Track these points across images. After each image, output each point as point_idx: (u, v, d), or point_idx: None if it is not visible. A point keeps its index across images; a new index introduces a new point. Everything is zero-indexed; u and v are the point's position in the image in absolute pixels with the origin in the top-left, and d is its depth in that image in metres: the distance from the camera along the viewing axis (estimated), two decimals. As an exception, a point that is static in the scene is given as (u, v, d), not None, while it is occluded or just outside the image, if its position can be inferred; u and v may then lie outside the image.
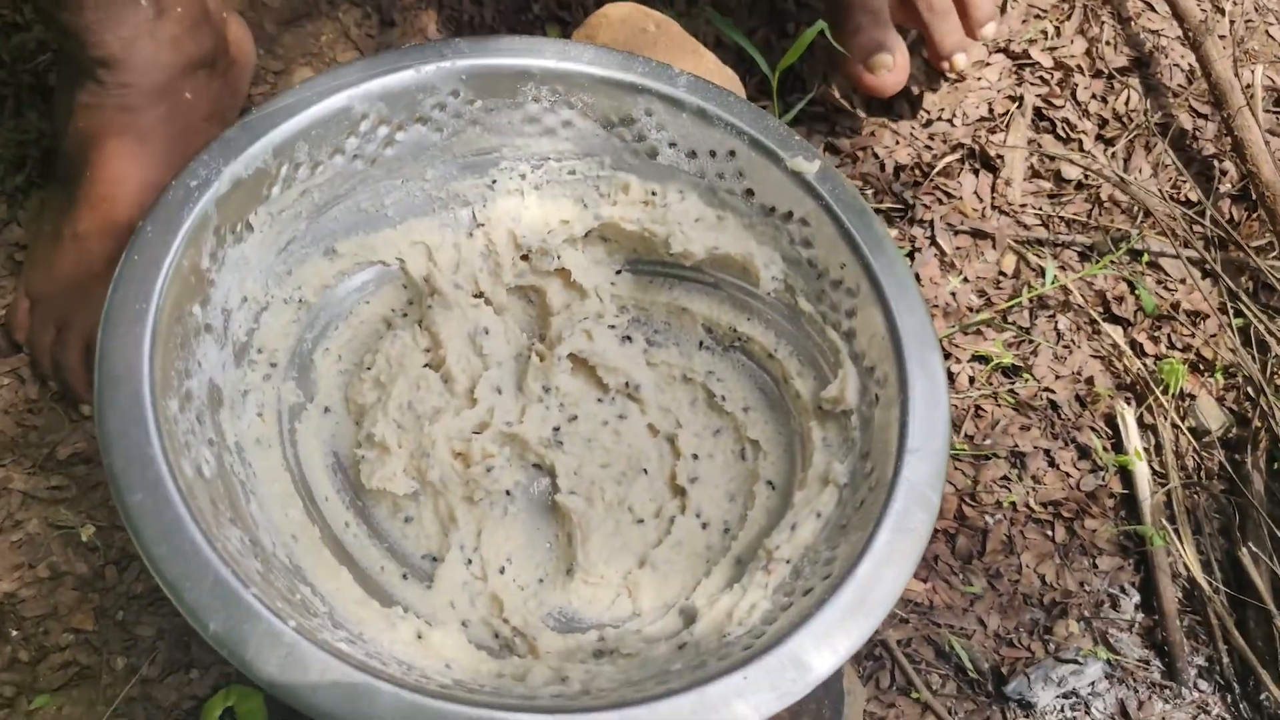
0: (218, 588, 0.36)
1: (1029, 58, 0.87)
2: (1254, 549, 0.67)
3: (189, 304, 0.42)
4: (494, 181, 0.52)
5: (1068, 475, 0.71)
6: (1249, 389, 0.73)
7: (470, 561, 0.47)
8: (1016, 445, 0.72)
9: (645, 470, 0.50)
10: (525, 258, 0.53)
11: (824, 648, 0.38)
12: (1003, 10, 0.89)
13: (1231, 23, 0.90)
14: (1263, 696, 0.65)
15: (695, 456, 0.50)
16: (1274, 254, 0.77)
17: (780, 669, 0.37)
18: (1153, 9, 0.90)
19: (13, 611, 0.65)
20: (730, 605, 0.44)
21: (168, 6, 0.64)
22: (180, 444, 0.39)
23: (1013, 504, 0.70)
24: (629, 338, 0.53)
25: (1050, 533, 0.70)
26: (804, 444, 0.49)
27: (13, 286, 0.75)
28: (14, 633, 0.64)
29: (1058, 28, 0.89)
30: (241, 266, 0.45)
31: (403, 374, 0.49)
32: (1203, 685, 0.66)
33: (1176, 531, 0.69)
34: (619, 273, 0.54)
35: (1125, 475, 0.71)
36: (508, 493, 0.49)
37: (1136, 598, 0.68)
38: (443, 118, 0.49)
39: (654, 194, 0.51)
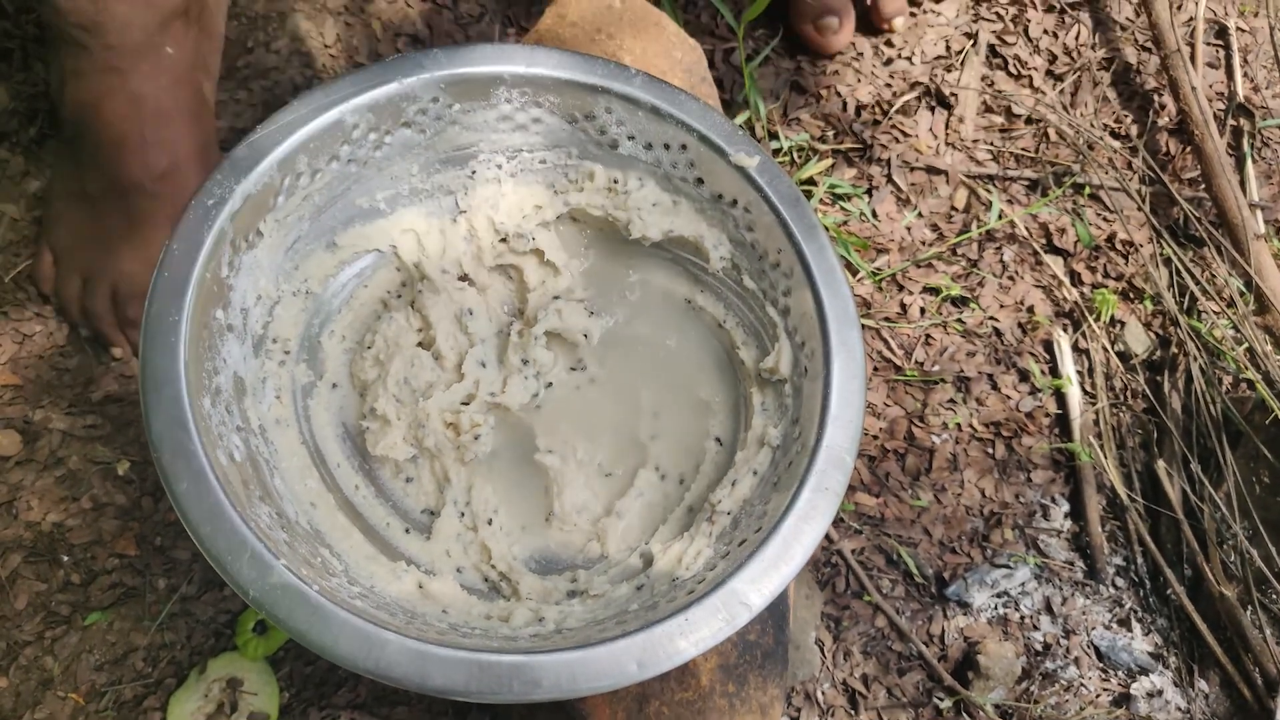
0: (254, 561, 0.40)
1: (985, -7, 0.86)
2: (1167, 464, 0.71)
3: (213, 309, 0.45)
4: (473, 172, 0.54)
5: (1008, 398, 0.74)
6: (1171, 315, 0.76)
7: (463, 514, 0.51)
8: (962, 370, 0.75)
9: (611, 428, 0.54)
10: (504, 240, 0.55)
11: (752, 592, 0.43)
12: (962, -55, 0.87)
13: (1179, -46, 0.89)
14: (1168, 591, 0.69)
15: (656, 415, 0.54)
16: (1203, 187, 0.78)
17: (716, 610, 0.42)
18: (1105, -59, 0.89)
19: (62, 540, 0.68)
20: (680, 552, 0.48)
21: None
22: (214, 436, 0.42)
23: (958, 425, 0.74)
24: (596, 310, 0.56)
25: (991, 450, 0.73)
26: (747, 407, 0.53)
27: (34, 235, 0.76)
28: (65, 558, 0.68)
29: (1013, -38, 0.88)
30: (255, 269, 0.47)
31: (399, 353, 0.52)
32: (1119, 583, 0.70)
33: (1102, 448, 0.72)
34: (587, 249, 0.56)
35: (1060, 397, 0.75)
36: (494, 453, 0.53)
37: (1065, 507, 0.72)
38: (425, 121, 0.51)
39: (616, 181, 0.54)
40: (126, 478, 0.72)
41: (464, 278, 0.55)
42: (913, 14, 0.84)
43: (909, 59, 0.84)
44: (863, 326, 0.75)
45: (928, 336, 0.76)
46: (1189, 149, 0.80)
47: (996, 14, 0.86)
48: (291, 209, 0.48)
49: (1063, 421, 0.74)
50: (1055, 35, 0.85)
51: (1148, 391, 0.74)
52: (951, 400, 0.74)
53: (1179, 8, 0.86)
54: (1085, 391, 0.75)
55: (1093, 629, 0.69)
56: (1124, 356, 0.76)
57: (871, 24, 0.83)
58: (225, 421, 0.44)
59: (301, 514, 0.46)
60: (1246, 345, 0.72)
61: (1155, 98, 0.83)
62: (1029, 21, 0.85)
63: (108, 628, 0.66)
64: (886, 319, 0.76)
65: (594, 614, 0.46)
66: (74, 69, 0.67)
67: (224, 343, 0.45)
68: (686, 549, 0.48)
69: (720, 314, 0.54)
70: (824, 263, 0.48)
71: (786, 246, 0.49)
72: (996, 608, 0.69)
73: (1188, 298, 0.75)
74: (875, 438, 0.73)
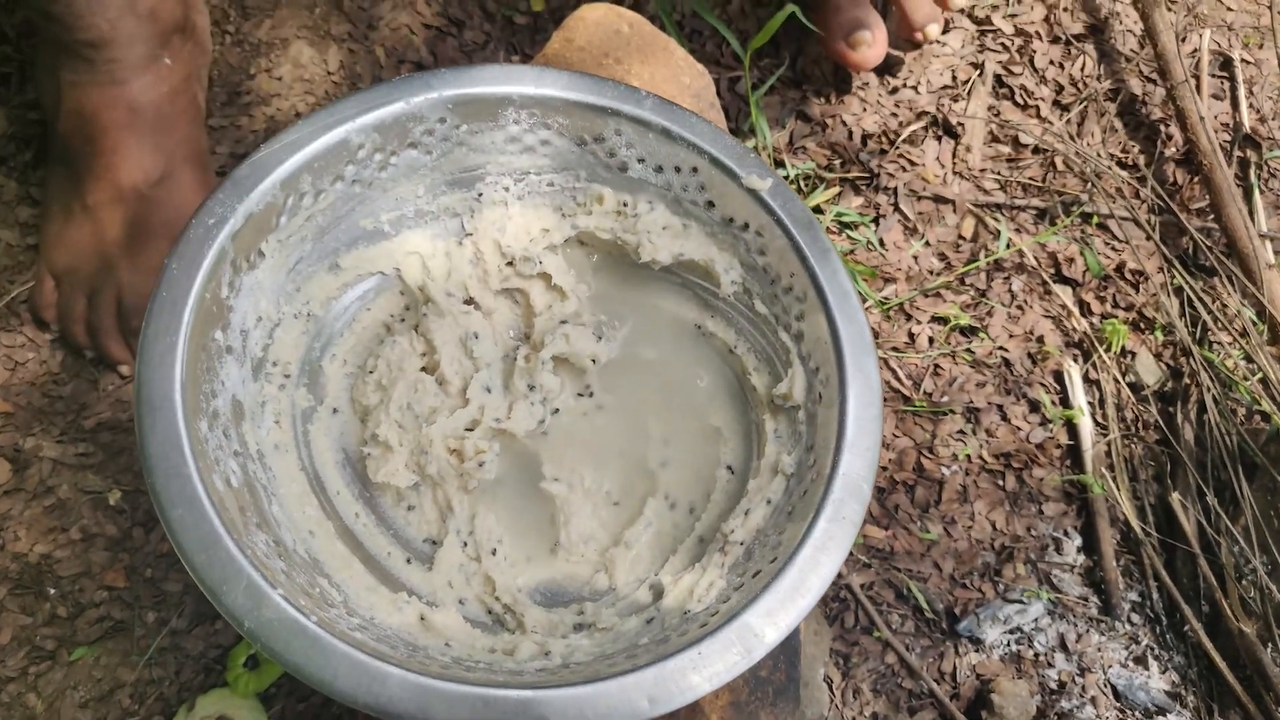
0: (249, 591, 0.38)
1: (991, 24, 0.86)
2: (1181, 497, 0.69)
3: (212, 330, 0.43)
4: (480, 195, 0.53)
5: (1018, 429, 0.73)
6: (1183, 345, 0.75)
7: (466, 544, 0.49)
8: (972, 401, 0.73)
9: (620, 456, 0.52)
10: (510, 264, 0.54)
11: (768, 625, 0.41)
12: (966, -24, 0.87)
13: (1183, -13, 0.89)
14: (1186, 628, 0.68)
15: (666, 442, 0.52)
16: (1211, 217, 0.77)
17: (730, 644, 0.40)
18: (1108, -27, 0.89)
19: (50, 571, 0.66)
20: (691, 583, 0.46)
21: None
22: (210, 460, 0.41)
23: (967, 456, 0.72)
24: (604, 335, 0.54)
25: (1001, 482, 0.72)
26: (759, 434, 0.51)
27: (29, 262, 0.75)
28: (52, 591, 0.66)
29: (1018, -6, 0.88)
30: (256, 290, 0.46)
31: (402, 377, 0.50)
32: (1135, 619, 0.69)
33: (1115, 480, 0.71)
34: (595, 273, 0.55)
35: (1071, 428, 0.73)
36: (499, 481, 0.51)
37: (1078, 541, 0.71)
38: (431, 141, 0.50)
39: (625, 204, 0.52)
40: (118, 507, 0.70)
41: (469, 301, 0.53)
42: (913, 49, 0.84)
43: (915, 89, 0.83)
44: (870, 356, 0.74)
45: (936, 366, 0.75)
46: (1197, 179, 0.79)
47: (1002, 45, 0.85)
48: (294, 229, 0.46)
49: (1074, 453, 0.73)
50: (1061, 66, 0.85)
51: (1160, 422, 0.73)
52: (961, 431, 0.73)
53: (1183, 40, 0.86)
54: (1097, 423, 0.73)
55: (1109, 667, 0.67)
56: (1135, 387, 0.74)
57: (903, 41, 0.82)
58: (222, 445, 0.42)
59: (299, 542, 0.45)
60: (1260, 375, 0.71)
61: (1162, 128, 0.82)
62: (1034, 52, 0.85)
63: (94, 663, 0.64)
64: (894, 349, 0.75)
65: (602, 648, 0.44)
66: (73, 81, 0.67)
67: (223, 365, 0.44)
68: (698, 580, 0.46)
69: (731, 339, 0.53)
70: (838, 287, 0.47)
71: (799, 270, 0.48)
72: (1009, 644, 0.67)
73: (1199, 328, 0.74)
74: (884, 469, 0.72)
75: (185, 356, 0.40)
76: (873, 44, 0.78)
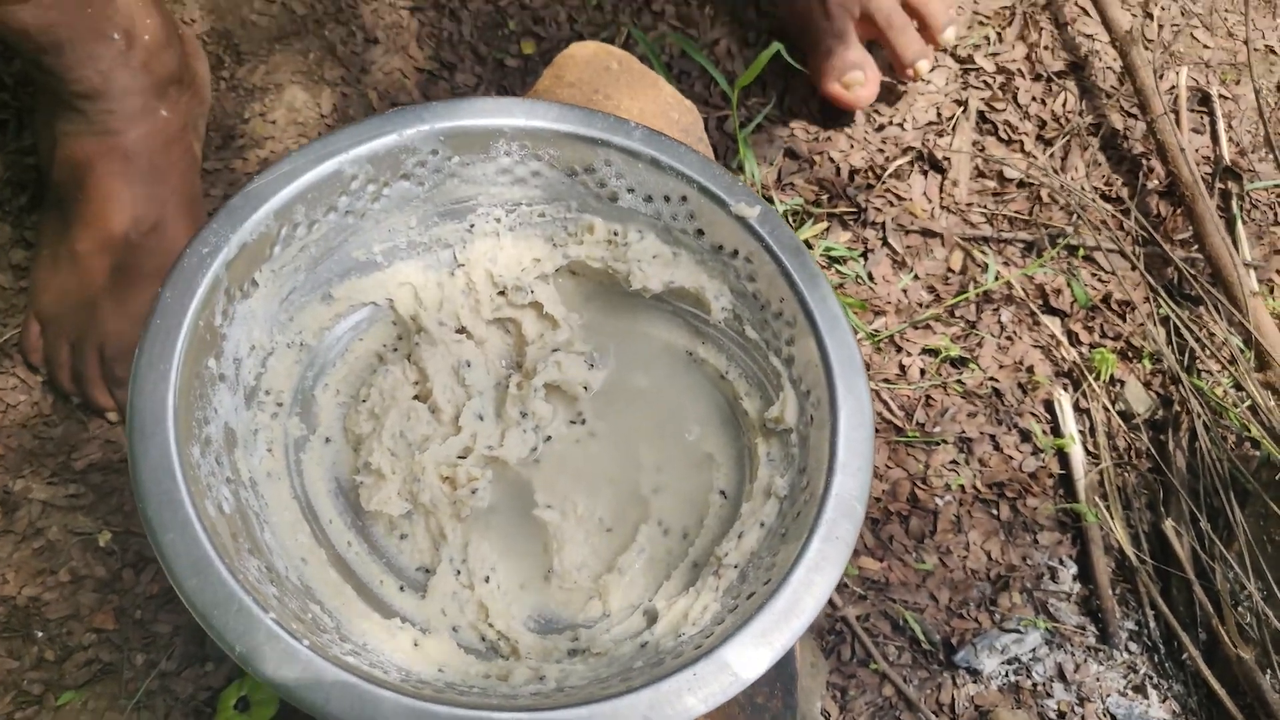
0: (241, 614, 0.38)
1: (973, 62, 0.87)
2: (1175, 524, 0.69)
3: (205, 358, 0.43)
4: (472, 226, 0.53)
5: (1011, 458, 0.73)
6: (1172, 374, 0.75)
7: (459, 572, 0.49)
8: (964, 431, 0.74)
9: (612, 483, 0.52)
10: (502, 293, 0.54)
11: (762, 646, 0.41)
12: (948, 16, 0.89)
13: (1160, 27, 0.90)
14: (1184, 656, 0.67)
15: (658, 469, 0.52)
16: (1195, 248, 0.78)
17: (725, 665, 0.40)
18: (1087, 14, 0.91)
19: (38, 614, 0.65)
20: (686, 607, 0.46)
21: (137, 35, 0.65)
22: (203, 486, 0.41)
23: (961, 486, 0.72)
24: (595, 363, 0.55)
25: (995, 512, 0.72)
26: (751, 459, 0.51)
27: (22, 305, 0.75)
28: (39, 634, 0.65)
29: (1000, 33, 0.89)
30: (249, 319, 0.46)
31: (394, 406, 0.50)
32: (1132, 647, 0.68)
33: (1108, 508, 0.71)
34: (586, 302, 0.55)
35: (1063, 457, 0.73)
36: (492, 508, 0.51)
37: (1074, 569, 0.70)
38: (424, 173, 0.50)
39: (616, 234, 0.53)
40: (108, 549, 0.69)
41: (461, 330, 0.54)
42: (902, 85, 0.85)
43: (900, 125, 0.84)
44: (862, 388, 0.75)
45: (928, 397, 0.75)
46: (1179, 210, 0.80)
47: (985, 82, 0.87)
48: (288, 260, 0.47)
49: (1067, 482, 0.73)
50: (1043, 102, 0.86)
51: (1152, 450, 0.73)
52: (954, 461, 0.73)
53: (1161, 76, 0.88)
54: (1088, 451, 0.73)
55: (1107, 696, 0.66)
56: (1126, 416, 0.75)
57: (897, 79, 0.84)
58: (215, 472, 0.42)
59: (292, 569, 0.44)
60: (1249, 402, 0.71)
61: (1144, 161, 0.84)
62: (1017, 89, 0.86)
63: (82, 707, 0.63)
64: (886, 380, 0.75)
65: (596, 672, 0.44)
66: (68, 130, 0.68)
67: (215, 392, 0.44)
68: (692, 604, 0.46)
69: (722, 365, 0.53)
70: (827, 310, 0.48)
71: (789, 295, 0.49)
72: (1007, 674, 0.67)
73: (1187, 355, 0.75)
74: (878, 500, 0.71)
75: (178, 383, 0.40)
76: (865, 83, 0.79)
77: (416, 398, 0.52)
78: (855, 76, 0.79)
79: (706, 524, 0.51)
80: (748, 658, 0.40)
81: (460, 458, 0.50)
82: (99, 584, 0.68)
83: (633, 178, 0.51)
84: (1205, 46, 0.90)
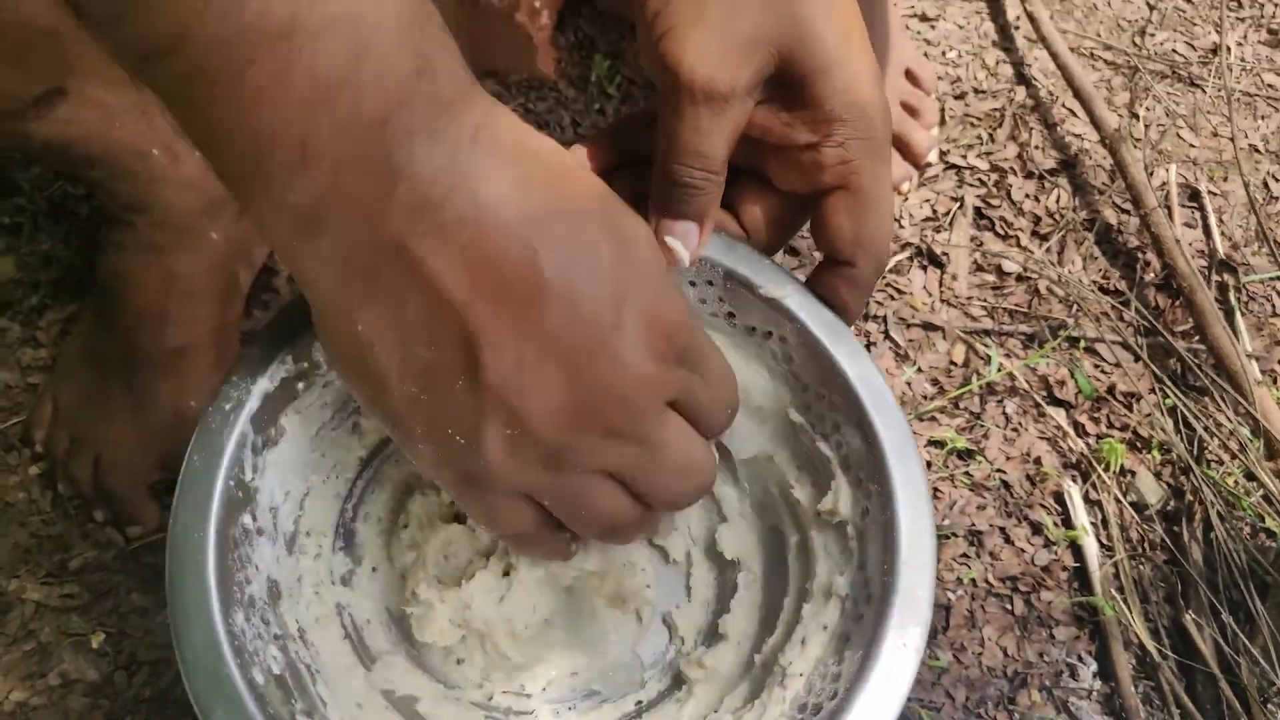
0: None
1: (966, 163, 0.90)
2: (1196, 616, 0.68)
3: (240, 516, 0.42)
4: None
5: (1022, 551, 0.72)
6: (1182, 465, 0.75)
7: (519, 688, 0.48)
8: (974, 524, 0.73)
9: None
10: None
11: None
12: (941, 122, 0.92)
13: (1146, 127, 0.93)
14: (1215, 757, 0.65)
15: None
16: (1197, 339, 0.79)
17: None
18: (1075, 115, 0.93)
19: (25, 720, 0.63)
20: None
21: (182, 152, 0.64)
22: (249, 654, 0.39)
23: (973, 580, 0.71)
24: None
25: (1009, 606, 0.70)
26: (808, 555, 0.49)
27: (27, 404, 0.75)
28: (26, 741, 0.63)
29: (991, 134, 0.92)
30: (280, 466, 0.45)
31: (433, 533, 0.49)
32: (1159, 748, 0.66)
33: (1125, 601, 0.69)
34: None
35: (1075, 549, 0.72)
36: (547, 621, 0.50)
37: (1093, 666, 0.68)
38: None
39: None
40: (100, 650, 0.68)
41: None
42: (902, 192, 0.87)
43: (898, 221, 0.86)
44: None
45: (936, 490, 0.74)
46: (1178, 303, 0.81)
47: (979, 180, 0.89)
48: (312, 398, 0.45)
49: (1081, 575, 0.71)
50: (1037, 199, 0.88)
51: (1167, 541, 0.72)
52: (964, 555, 0.72)
53: (1151, 173, 0.90)
54: (1101, 543, 0.72)
55: (1136, 800, 0.64)
56: (1138, 507, 0.74)
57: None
58: (261, 634, 0.41)
59: (347, 717, 0.43)
60: (1262, 491, 0.70)
61: (1139, 255, 0.85)
62: (1010, 186, 0.88)
63: (67, 818, 0.60)
64: (893, 472, 0.74)
65: None
66: (117, 241, 0.68)
67: (254, 548, 0.43)
68: (760, 718, 0.43)
69: (768, 450, 0.52)
70: (871, 390, 0.44)
71: (830, 376, 0.46)
72: (1031, 777, 0.64)
73: (1196, 445, 0.74)
74: (889, 595, 0.70)
75: (216, 551, 0.39)
76: None
77: (455, 519, 0.51)
78: None
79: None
80: None
81: (505, 575, 0.49)
82: (89, 688, 0.66)
83: None
84: (1191, 145, 0.93)
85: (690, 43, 0.42)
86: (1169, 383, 0.75)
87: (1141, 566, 0.71)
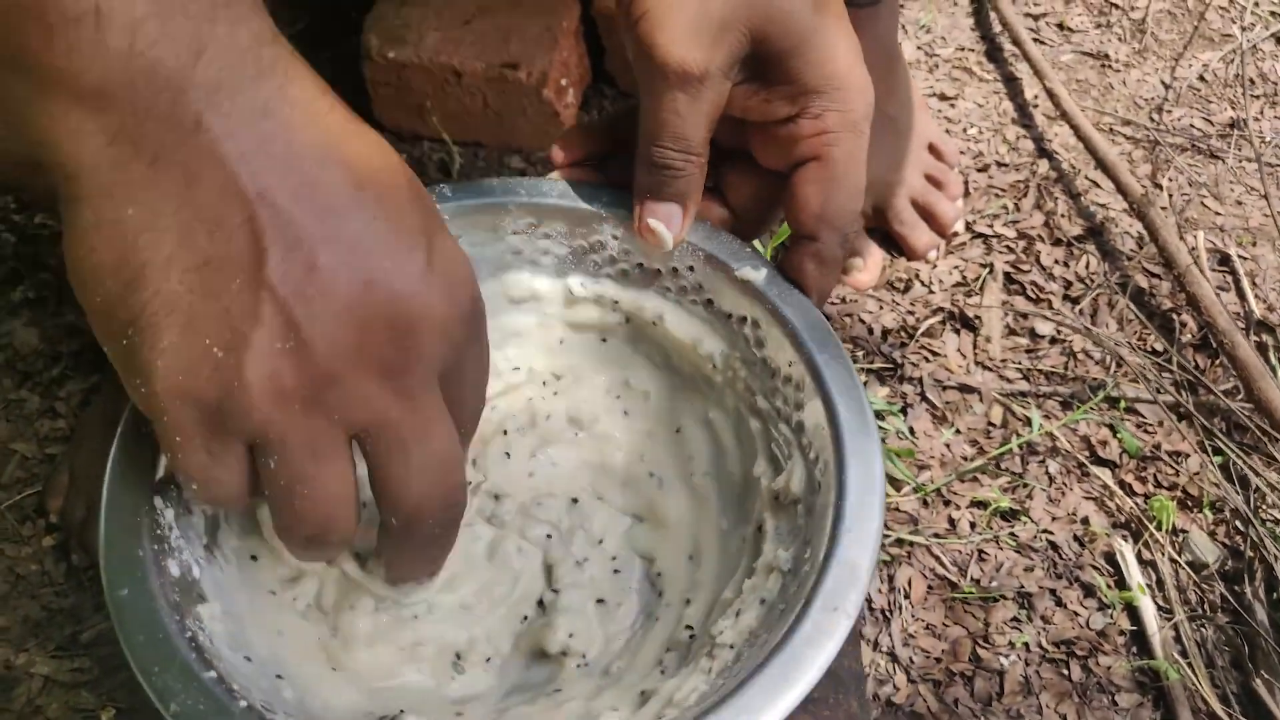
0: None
1: (993, 231, 0.91)
2: (1267, 677, 0.66)
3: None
4: None
5: (1076, 614, 0.70)
6: (1238, 522, 0.73)
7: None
8: (1022, 586, 0.71)
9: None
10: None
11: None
12: (965, 194, 0.94)
13: (1170, 195, 0.95)
14: (1298, 829, 0.62)
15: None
16: (1240, 396, 0.79)
17: None
18: (1098, 186, 0.96)
19: (28, 799, 0.61)
20: (671, 691, 0.42)
21: None
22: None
23: (1025, 644, 0.69)
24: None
25: (1066, 671, 0.68)
26: (759, 535, 0.49)
27: (43, 475, 0.75)
28: (29, 822, 0.60)
29: (1016, 204, 0.94)
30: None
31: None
32: (1237, 821, 0.63)
33: (1190, 665, 0.67)
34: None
35: (1131, 611, 0.70)
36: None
37: (1159, 734, 0.66)
38: None
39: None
40: (109, 728, 0.66)
41: None
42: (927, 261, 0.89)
43: (928, 286, 0.87)
44: (912, 543, 0.73)
45: (980, 552, 0.73)
46: (1217, 362, 0.81)
47: (1007, 247, 0.90)
48: None
49: (1139, 638, 0.69)
50: (1066, 264, 0.89)
51: (1231, 600, 0.70)
52: (1015, 618, 0.70)
53: (1180, 239, 0.91)
54: (1159, 605, 0.70)
55: None
56: (1195, 566, 0.72)
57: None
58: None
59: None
60: (1323, 547, 0.69)
61: (1174, 317, 0.85)
62: (1039, 253, 0.90)
63: None
64: (936, 535, 0.73)
65: None
66: None
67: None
68: (679, 687, 0.42)
69: (730, 432, 0.53)
70: (837, 371, 0.46)
71: (796, 358, 0.47)
72: None
73: (1251, 502, 0.73)
74: (938, 660, 0.68)
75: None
76: (864, 269, 0.86)
77: None
78: (854, 262, 0.85)
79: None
80: None
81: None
82: (97, 766, 0.64)
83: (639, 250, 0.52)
84: (1216, 214, 0.94)
85: (664, 26, 0.43)
86: (1219, 435, 0.75)
87: (1203, 628, 0.69)
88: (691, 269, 0.52)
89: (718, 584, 0.50)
